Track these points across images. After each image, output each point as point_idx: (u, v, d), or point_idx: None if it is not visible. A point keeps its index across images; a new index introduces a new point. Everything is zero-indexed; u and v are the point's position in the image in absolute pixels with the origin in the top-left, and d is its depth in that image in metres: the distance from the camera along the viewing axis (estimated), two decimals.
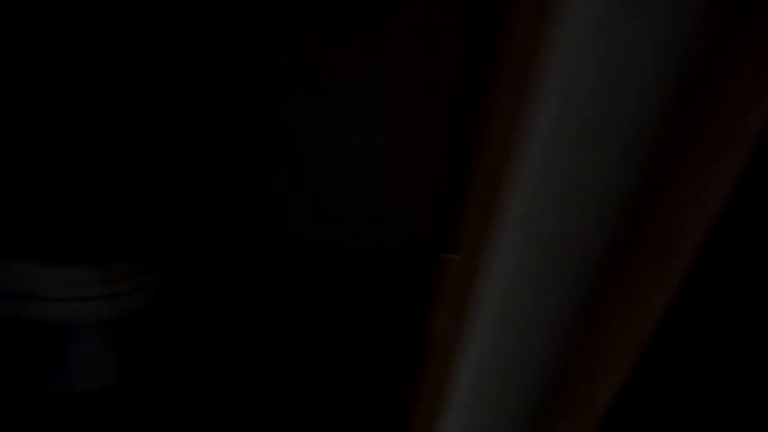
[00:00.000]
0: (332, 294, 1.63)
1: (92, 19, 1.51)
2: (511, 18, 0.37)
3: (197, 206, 1.76)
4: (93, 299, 1.23)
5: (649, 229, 0.45)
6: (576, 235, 0.48)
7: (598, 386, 0.53)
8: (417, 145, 1.51)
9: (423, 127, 1.48)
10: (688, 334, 0.65)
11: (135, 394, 1.30)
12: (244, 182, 1.69)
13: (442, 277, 0.50)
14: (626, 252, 0.47)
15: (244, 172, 1.67)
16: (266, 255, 1.73)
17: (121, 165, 1.54)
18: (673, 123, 0.41)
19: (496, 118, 0.41)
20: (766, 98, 0.38)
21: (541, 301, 0.52)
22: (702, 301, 0.63)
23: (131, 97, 1.63)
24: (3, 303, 1.24)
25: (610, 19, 0.39)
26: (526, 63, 0.39)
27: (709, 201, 0.42)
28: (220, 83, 1.53)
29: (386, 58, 1.40)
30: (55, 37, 1.54)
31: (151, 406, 1.27)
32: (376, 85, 1.44)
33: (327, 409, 1.29)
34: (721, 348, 0.65)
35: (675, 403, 0.69)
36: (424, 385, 0.56)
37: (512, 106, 0.40)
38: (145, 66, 1.57)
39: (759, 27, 0.36)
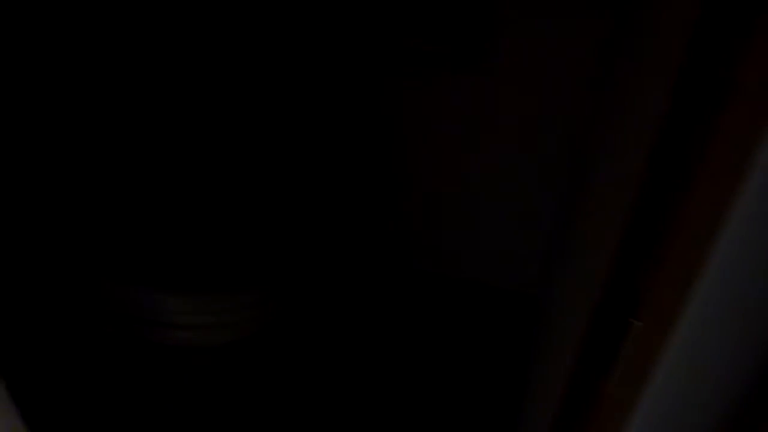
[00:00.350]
0: (446, 321, 1.65)
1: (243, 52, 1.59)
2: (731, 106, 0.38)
3: (325, 240, 1.82)
4: (207, 327, 1.30)
5: None
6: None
7: None
8: (528, 183, 1.53)
9: (535, 163, 1.50)
10: None
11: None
12: (368, 217, 1.74)
13: (624, 340, 0.50)
14: None
15: (370, 207, 1.73)
16: (391, 287, 1.77)
17: (251, 196, 1.62)
18: None
19: (700, 204, 0.42)
20: None
21: (719, 371, 0.51)
22: None
23: (269, 131, 1.70)
24: (124, 326, 1.34)
25: None
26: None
27: None
28: (349, 118, 1.60)
29: (501, 96, 1.42)
30: (209, 65, 1.62)
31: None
32: (492, 121, 1.47)
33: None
34: None
35: None
36: None
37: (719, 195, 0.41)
38: (285, 103, 1.63)
39: None
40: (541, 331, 1.37)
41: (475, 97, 1.44)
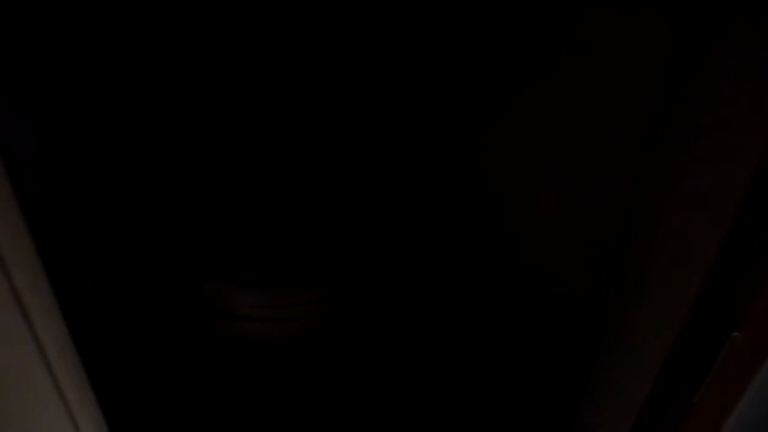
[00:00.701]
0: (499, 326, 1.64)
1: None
2: None
3: (396, 241, 1.84)
4: (275, 320, 1.34)
5: None
6: None
7: None
8: (585, 190, 1.50)
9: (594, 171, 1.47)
10: None
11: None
12: (440, 221, 1.75)
13: (721, 351, 0.49)
14: None
15: (442, 212, 1.74)
16: (457, 291, 1.77)
17: (326, 194, 1.65)
18: None
19: None
20: None
21: None
22: None
23: (349, 130, 1.72)
24: (194, 316, 1.39)
25: None
26: None
27: None
28: (427, 123, 1.61)
29: (567, 100, 1.40)
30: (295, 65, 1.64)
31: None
32: (558, 125, 1.45)
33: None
34: None
35: None
36: None
37: None
38: (366, 103, 1.65)
39: None
40: (601, 340, 1.33)
41: (541, 102, 1.42)
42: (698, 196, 0.75)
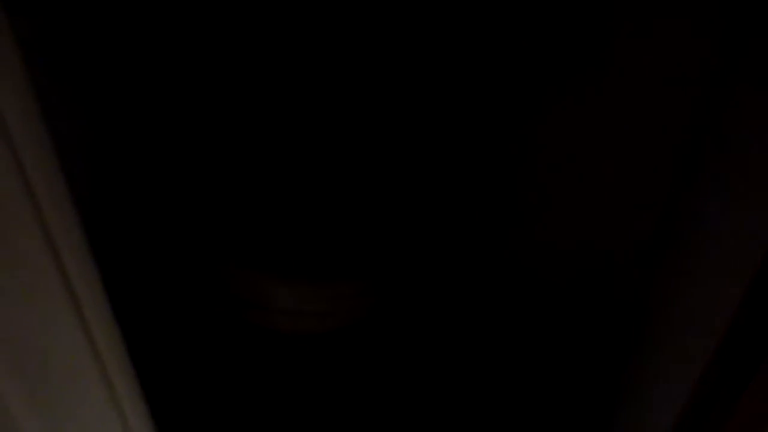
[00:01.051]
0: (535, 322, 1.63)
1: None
2: None
3: (432, 239, 1.84)
4: (310, 315, 1.36)
5: None
6: None
7: None
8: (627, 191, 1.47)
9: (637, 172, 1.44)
10: None
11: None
12: (477, 218, 1.74)
13: None
14: None
15: (480, 209, 1.73)
16: (493, 288, 1.76)
17: (366, 190, 1.66)
18: None
19: None
20: None
21: None
22: None
23: (390, 127, 1.72)
24: (230, 307, 1.42)
25: None
26: None
27: None
28: (469, 119, 1.60)
29: (614, 97, 1.38)
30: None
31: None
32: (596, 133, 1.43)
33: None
34: None
35: None
36: None
37: None
38: (406, 100, 1.65)
39: None
40: (641, 341, 1.30)
41: (586, 100, 1.39)
42: (748, 196, 0.73)
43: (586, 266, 1.65)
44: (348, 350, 1.51)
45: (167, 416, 1.33)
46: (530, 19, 1.36)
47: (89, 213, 1.32)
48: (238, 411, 1.37)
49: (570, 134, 1.47)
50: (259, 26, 1.58)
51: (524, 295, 1.71)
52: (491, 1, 1.37)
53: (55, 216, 0.49)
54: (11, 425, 0.51)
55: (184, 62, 1.52)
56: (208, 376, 1.43)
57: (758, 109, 0.83)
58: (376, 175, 1.75)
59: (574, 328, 1.60)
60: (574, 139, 1.47)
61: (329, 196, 1.60)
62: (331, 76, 1.65)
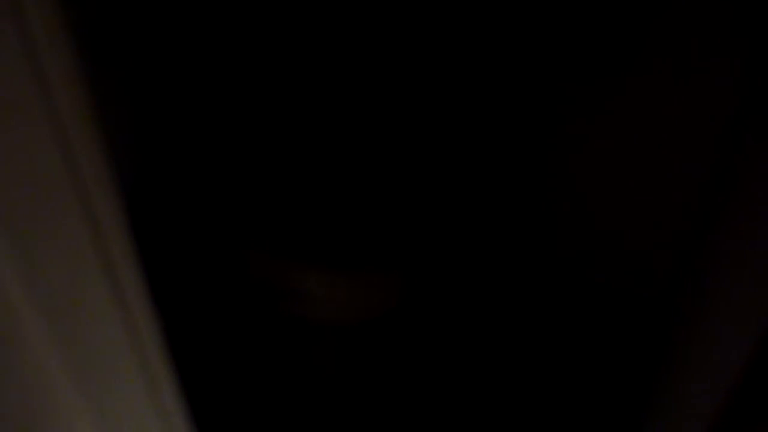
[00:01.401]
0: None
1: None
2: None
3: (466, 232, 1.82)
4: (340, 304, 1.35)
5: None
6: None
7: None
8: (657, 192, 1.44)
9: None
10: None
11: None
12: (511, 214, 1.72)
13: None
14: None
15: (514, 205, 1.70)
16: (525, 285, 1.74)
17: (399, 180, 1.64)
18: None
19: None
20: None
21: None
22: None
23: (426, 120, 1.68)
24: (260, 296, 1.41)
25: None
26: None
27: None
28: (504, 113, 1.56)
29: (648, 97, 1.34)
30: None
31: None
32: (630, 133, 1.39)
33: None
34: None
35: None
36: None
37: None
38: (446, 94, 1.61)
39: None
40: (674, 339, 1.28)
41: (622, 99, 1.36)
42: None
43: (621, 269, 1.62)
44: (377, 341, 1.50)
45: (197, 404, 1.34)
46: (570, 18, 1.32)
47: (134, 205, 1.34)
48: (263, 399, 1.37)
49: (612, 133, 1.44)
50: (303, 20, 1.55)
51: (556, 295, 1.68)
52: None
53: (103, 205, 0.48)
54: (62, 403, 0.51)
55: (218, 56, 1.50)
56: (236, 364, 1.44)
57: None
58: (413, 166, 1.72)
59: (606, 330, 1.58)
60: (615, 137, 1.43)
61: (365, 186, 1.58)
62: (369, 67, 1.62)
